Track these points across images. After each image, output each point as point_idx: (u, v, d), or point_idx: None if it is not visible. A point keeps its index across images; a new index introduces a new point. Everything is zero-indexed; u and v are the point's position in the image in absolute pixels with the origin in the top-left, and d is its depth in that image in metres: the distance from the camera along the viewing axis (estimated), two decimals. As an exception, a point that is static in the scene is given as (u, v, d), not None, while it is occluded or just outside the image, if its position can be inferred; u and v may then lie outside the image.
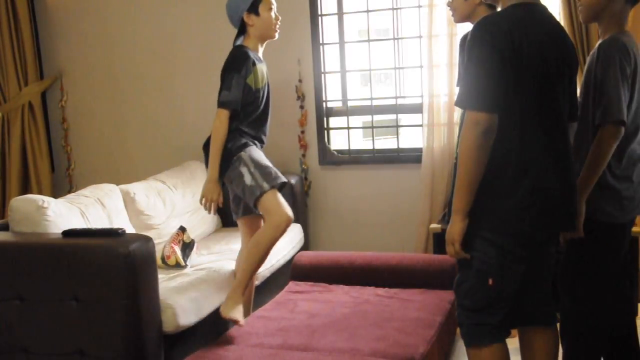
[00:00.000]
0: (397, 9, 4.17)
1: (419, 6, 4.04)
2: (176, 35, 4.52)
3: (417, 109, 4.12)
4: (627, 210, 2.31)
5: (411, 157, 4.15)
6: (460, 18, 2.88)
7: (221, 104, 2.98)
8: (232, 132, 2.99)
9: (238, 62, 2.98)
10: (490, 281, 2.06)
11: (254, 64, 3.01)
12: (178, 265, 3.36)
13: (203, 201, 2.97)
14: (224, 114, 2.96)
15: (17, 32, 4.61)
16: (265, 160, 2.99)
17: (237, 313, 2.80)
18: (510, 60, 1.94)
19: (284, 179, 2.97)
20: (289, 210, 2.91)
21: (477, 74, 1.96)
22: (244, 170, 2.90)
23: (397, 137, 4.34)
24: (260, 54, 3.15)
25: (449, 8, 2.95)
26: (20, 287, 2.71)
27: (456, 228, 2.04)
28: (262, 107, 3.11)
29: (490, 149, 1.97)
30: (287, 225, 2.90)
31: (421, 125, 4.03)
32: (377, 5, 4.24)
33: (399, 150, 4.25)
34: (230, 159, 2.95)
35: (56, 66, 4.80)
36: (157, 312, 2.73)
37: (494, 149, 1.97)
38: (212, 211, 3.00)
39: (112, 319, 2.61)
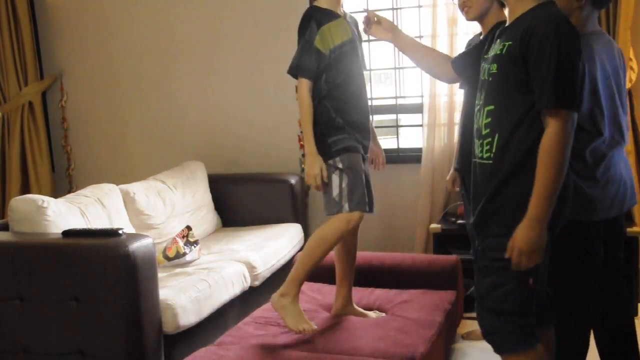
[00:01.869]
0: (397, 9, 4.17)
1: (419, 6, 4.05)
2: (176, 35, 4.52)
3: (417, 109, 4.12)
4: (598, 209, 2.32)
5: (411, 157, 4.15)
6: (475, 15, 2.86)
7: (293, 70, 2.71)
8: (324, 113, 2.70)
9: (302, 26, 2.72)
10: (531, 281, 1.97)
11: (320, 23, 2.68)
12: (178, 256, 3.36)
13: (308, 179, 2.71)
14: (302, 83, 2.68)
15: (17, 32, 4.62)
16: (360, 176, 2.68)
17: (303, 322, 2.61)
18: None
19: (366, 206, 2.68)
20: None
21: (569, 71, 1.87)
22: (335, 179, 2.66)
23: (397, 137, 4.34)
24: (337, 8, 2.78)
25: (460, 6, 2.92)
26: (20, 287, 2.71)
27: (543, 237, 1.89)
28: (346, 72, 2.73)
29: None
30: (358, 221, 2.69)
31: (421, 125, 4.03)
32: (377, 5, 4.24)
33: (399, 150, 4.25)
34: (326, 155, 2.68)
35: (56, 66, 4.80)
36: (157, 312, 2.73)
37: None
38: (318, 187, 2.68)
39: (112, 319, 2.61)
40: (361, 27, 2.75)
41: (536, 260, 1.91)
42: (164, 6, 4.52)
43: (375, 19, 2.64)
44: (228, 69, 4.44)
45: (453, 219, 3.79)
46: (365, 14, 2.70)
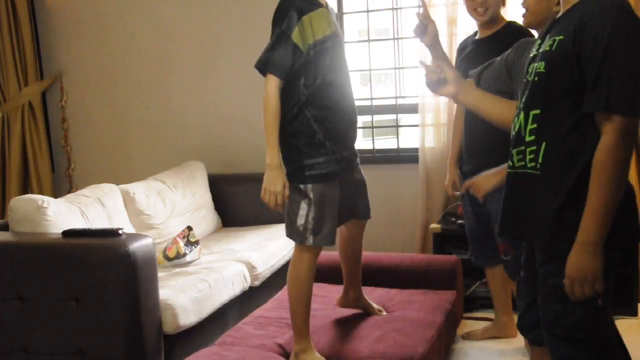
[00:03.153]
0: (397, 9, 4.18)
1: (419, 6, 4.03)
2: (176, 35, 4.52)
3: (417, 109, 4.12)
4: None
5: (411, 157, 4.14)
6: (491, 16, 2.86)
7: (261, 64, 2.36)
8: (304, 124, 2.39)
9: (279, 14, 2.38)
10: (600, 302, 1.76)
11: (301, 12, 2.34)
12: (178, 256, 3.36)
13: (265, 195, 2.40)
14: (270, 81, 2.34)
15: (17, 32, 4.61)
16: (332, 209, 2.46)
17: None
18: None
19: (331, 241, 2.51)
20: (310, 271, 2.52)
21: (628, 69, 1.62)
22: (302, 208, 2.42)
23: (397, 137, 4.34)
24: None
25: (477, 6, 2.91)
26: (20, 287, 2.71)
27: (598, 262, 1.66)
28: (327, 72, 2.39)
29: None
30: (320, 250, 2.55)
31: (421, 125, 4.02)
32: (377, 5, 4.25)
33: (399, 150, 4.25)
34: (297, 178, 2.42)
35: (56, 66, 4.80)
36: (157, 312, 2.73)
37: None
38: (279, 207, 2.42)
39: (112, 319, 2.61)
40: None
41: (592, 289, 1.69)
42: (164, 6, 4.52)
43: (441, 74, 2.07)
44: (228, 69, 4.44)
45: (453, 219, 3.79)
46: (426, 65, 2.11)
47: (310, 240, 2.44)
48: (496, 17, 2.95)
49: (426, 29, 2.16)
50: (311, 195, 2.40)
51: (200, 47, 4.48)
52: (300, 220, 2.43)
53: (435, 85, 2.08)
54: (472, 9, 2.94)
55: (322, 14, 2.39)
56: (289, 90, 2.38)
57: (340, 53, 2.46)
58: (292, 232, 2.48)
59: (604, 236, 1.65)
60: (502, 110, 2.04)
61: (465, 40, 3.16)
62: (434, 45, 2.14)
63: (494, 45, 2.87)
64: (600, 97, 1.62)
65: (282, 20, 2.33)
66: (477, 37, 3.05)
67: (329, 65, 2.40)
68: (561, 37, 1.71)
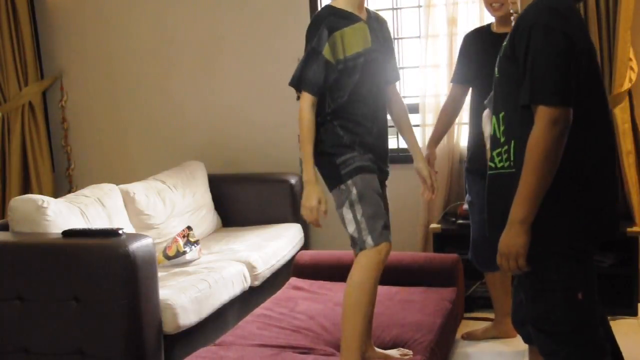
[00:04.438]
0: (397, 9, 4.17)
1: (419, 6, 4.04)
2: (176, 35, 4.52)
3: (417, 109, 4.11)
4: None
5: (411, 157, 4.11)
6: (507, 11, 2.82)
7: (295, 81, 2.37)
8: (330, 130, 2.36)
9: (310, 30, 2.35)
10: (580, 295, 1.86)
11: (332, 28, 2.31)
12: (178, 254, 3.36)
13: (303, 211, 2.37)
14: (305, 98, 2.33)
15: (17, 32, 4.61)
16: (377, 201, 2.34)
17: None
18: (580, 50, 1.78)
19: (388, 237, 2.35)
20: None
21: (550, 63, 1.75)
22: (347, 213, 2.32)
23: (397, 137, 4.33)
24: (359, 10, 2.39)
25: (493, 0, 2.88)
26: (20, 287, 2.71)
27: (521, 240, 1.81)
28: (357, 87, 2.35)
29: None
30: (388, 252, 2.36)
31: (421, 125, 4.02)
32: (377, 5, 4.24)
33: (399, 150, 4.25)
34: (335, 180, 2.36)
35: (56, 66, 4.79)
36: (157, 312, 2.73)
37: (567, 149, 1.78)
38: (317, 222, 2.36)
39: (112, 319, 2.61)
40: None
41: (519, 265, 1.83)
42: (164, 6, 4.51)
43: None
44: (228, 69, 4.44)
45: (453, 219, 3.79)
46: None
47: (369, 240, 2.29)
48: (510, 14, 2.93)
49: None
50: (354, 192, 2.31)
51: (200, 47, 4.48)
52: (351, 227, 2.32)
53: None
54: (488, 4, 2.92)
55: (358, 29, 2.35)
56: (319, 103, 2.36)
57: (373, 69, 2.39)
58: (353, 243, 2.34)
59: (530, 218, 1.79)
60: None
61: (479, 32, 3.08)
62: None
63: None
64: (526, 90, 1.76)
65: (313, 37, 2.32)
66: (494, 31, 2.98)
67: (360, 82, 2.35)
68: (505, 42, 1.89)
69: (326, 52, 2.29)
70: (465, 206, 3.28)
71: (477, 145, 2.95)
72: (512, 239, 1.82)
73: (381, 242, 2.29)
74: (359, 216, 2.30)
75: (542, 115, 1.74)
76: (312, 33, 2.33)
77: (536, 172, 1.76)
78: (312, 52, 2.32)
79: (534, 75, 1.75)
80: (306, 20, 4.19)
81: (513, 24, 2.43)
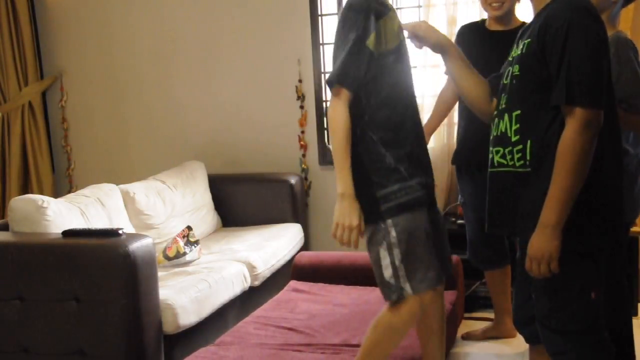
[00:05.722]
0: (397, 9, 4.17)
1: (419, 6, 4.04)
2: (176, 35, 4.52)
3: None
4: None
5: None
6: (506, 11, 2.83)
7: (333, 80, 1.96)
8: (370, 149, 2.00)
9: (351, 16, 1.96)
10: (593, 294, 1.84)
11: (380, 15, 1.97)
12: (178, 255, 3.36)
13: (336, 230, 1.98)
14: (341, 95, 1.94)
15: (17, 32, 4.62)
16: (424, 241, 2.01)
17: None
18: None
19: (437, 281, 2.04)
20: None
21: (585, 64, 1.72)
22: (384, 254, 1.99)
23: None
24: None
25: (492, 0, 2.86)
26: (20, 287, 2.71)
27: (555, 244, 1.76)
28: (396, 88, 2.02)
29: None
30: (432, 300, 2.10)
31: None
32: (377, 5, 4.24)
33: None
34: (373, 215, 1.99)
35: (56, 66, 4.80)
36: (157, 312, 2.73)
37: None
38: (354, 243, 1.98)
39: (112, 319, 2.60)
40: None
41: (548, 268, 1.79)
42: (164, 6, 4.52)
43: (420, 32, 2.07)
44: (228, 69, 4.44)
45: (453, 219, 3.79)
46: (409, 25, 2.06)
47: (408, 289, 1.98)
48: (510, 13, 2.92)
49: (415, 37, 2.11)
50: (393, 233, 1.96)
51: (201, 47, 4.48)
52: (388, 272, 1.99)
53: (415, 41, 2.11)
54: (487, 4, 2.89)
55: (393, 19, 2.03)
56: (351, 107, 1.97)
57: (408, 66, 2.09)
58: (386, 290, 2.02)
59: (563, 221, 1.75)
60: (470, 86, 2.10)
61: (474, 27, 3.05)
62: (429, 41, 2.11)
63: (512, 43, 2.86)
64: (561, 90, 1.73)
65: (355, 24, 1.94)
66: (489, 28, 2.96)
67: (397, 81, 2.04)
68: (529, 39, 1.84)
69: (370, 42, 1.94)
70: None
71: (467, 138, 2.97)
72: (545, 242, 1.77)
73: (423, 291, 2.00)
74: (396, 260, 1.97)
75: (578, 116, 1.71)
76: (353, 18, 1.95)
77: (570, 175, 1.73)
78: (357, 42, 1.93)
79: (570, 75, 1.72)
80: (306, 21, 4.20)
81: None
